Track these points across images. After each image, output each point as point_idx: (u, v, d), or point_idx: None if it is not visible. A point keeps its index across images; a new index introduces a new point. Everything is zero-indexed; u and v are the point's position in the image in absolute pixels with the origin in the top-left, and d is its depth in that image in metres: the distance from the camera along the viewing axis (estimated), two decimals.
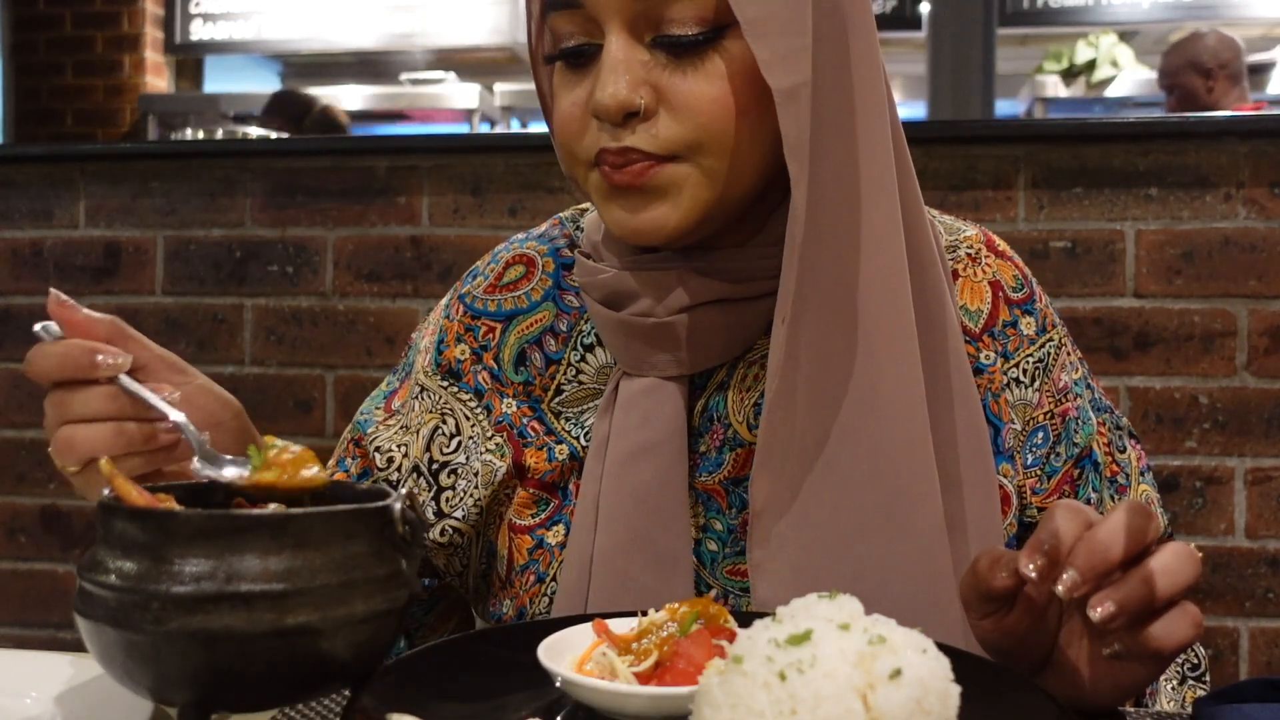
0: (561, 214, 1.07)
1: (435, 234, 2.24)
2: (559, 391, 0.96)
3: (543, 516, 0.95)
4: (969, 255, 0.98)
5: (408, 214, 2.25)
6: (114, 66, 4.94)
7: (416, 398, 1.00)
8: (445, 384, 0.99)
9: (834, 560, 0.82)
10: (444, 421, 0.98)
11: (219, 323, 2.32)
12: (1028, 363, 0.95)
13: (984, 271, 0.97)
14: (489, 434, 0.96)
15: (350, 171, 2.28)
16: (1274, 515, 2.00)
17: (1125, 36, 4.61)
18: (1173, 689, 0.93)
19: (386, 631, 0.60)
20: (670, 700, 0.60)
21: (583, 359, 0.96)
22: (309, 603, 0.56)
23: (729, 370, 0.92)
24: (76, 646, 0.67)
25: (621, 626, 0.70)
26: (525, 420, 0.96)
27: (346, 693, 0.64)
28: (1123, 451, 0.99)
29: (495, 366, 0.98)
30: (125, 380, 0.75)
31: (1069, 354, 0.99)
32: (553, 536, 0.94)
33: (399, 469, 0.97)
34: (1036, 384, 0.95)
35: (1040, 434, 0.94)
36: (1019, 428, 0.94)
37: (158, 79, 5.05)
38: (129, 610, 0.55)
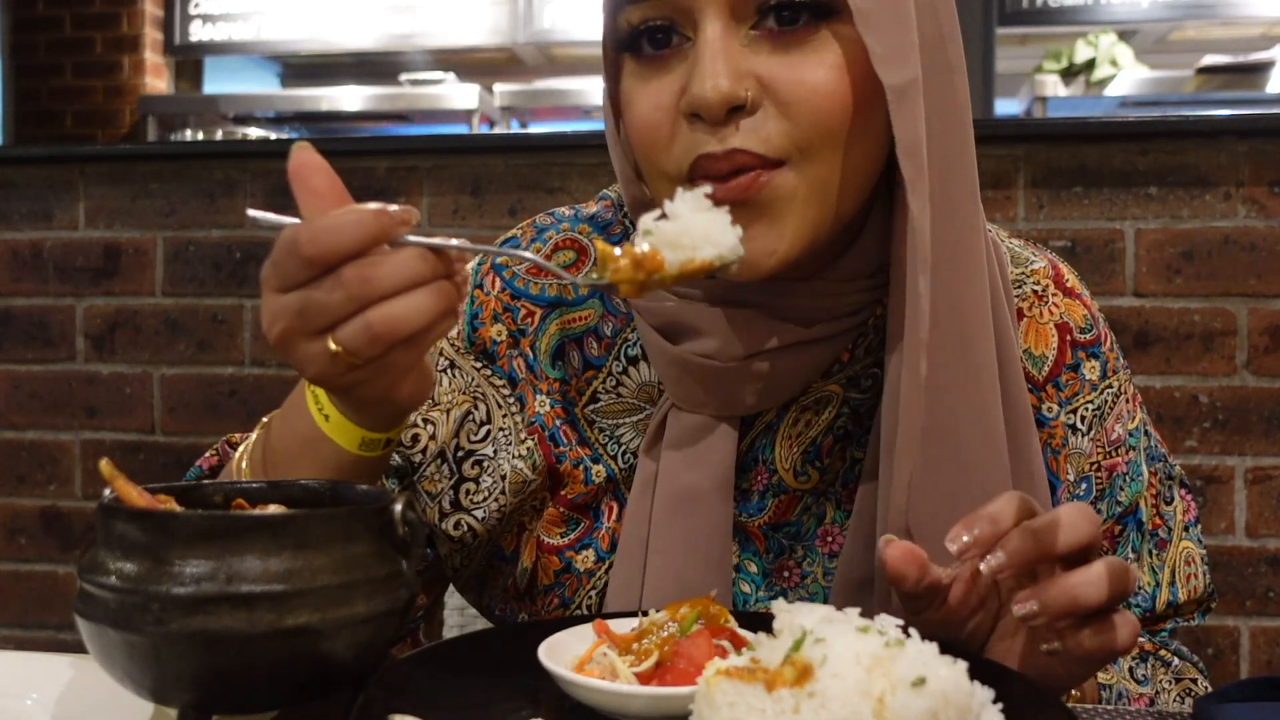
0: (612, 191, 0.97)
1: (435, 234, 2.24)
2: (595, 399, 0.90)
3: (572, 537, 0.91)
4: (1035, 293, 0.90)
5: None
6: (113, 68, 4.94)
7: (444, 371, 0.91)
8: (479, 365, 0.91)
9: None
10: (475, 407, 0.90)
11: (219, 323, 2.32)
12: (1086, 410, 0.89)
13: (1050, 312, 0.90)
14: (521, 434, 0.90)
15: (350, 172, 2.27)
16: (1274, 514, 2.00)
17: (1125, 36, 4.60)
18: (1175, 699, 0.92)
19: (387, 632, 0.60)
20: (670, 700, 0.60)
21: (625, 371, 0.89)
22: (309, 603, 0.56)
23: (779, 412, 0.86)
24: (77, 648, 0.67)
25: (622, 627, 0.70)
26: (557, 423, 0.90)
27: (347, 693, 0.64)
28: (1169, 503, 0.94)
29: (531, 355, 0.91)
30: (410, 238, 0.63)
31: (1128, 401, 0.92)
32: (581, 562, 0.90)
33: (424, 450, 0.90)
34: (1092, 433, 0.89)
35: (1084, 484, 0.89)
36: (1073, 479, 0.89)
37: (157, 80, 5.04)
38: (129, 611, 0.55)
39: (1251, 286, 2.00)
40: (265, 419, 0.80)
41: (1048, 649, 0.66)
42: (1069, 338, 0.90)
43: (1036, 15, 4.48)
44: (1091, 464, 0.90)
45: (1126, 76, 4.40)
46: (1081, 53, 4.48)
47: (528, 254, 0.70)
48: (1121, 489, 0.90)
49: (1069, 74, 4.49)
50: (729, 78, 0.71)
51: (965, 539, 0.64)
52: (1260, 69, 4.25)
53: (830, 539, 0.88)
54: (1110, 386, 0.90)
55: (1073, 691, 0.79)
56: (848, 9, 0.72)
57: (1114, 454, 0.90)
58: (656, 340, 0.84)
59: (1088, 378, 0.89)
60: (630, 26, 0.76)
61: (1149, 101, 4.39)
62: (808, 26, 0.73)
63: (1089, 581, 0.64)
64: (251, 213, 0.63)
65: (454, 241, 0.64)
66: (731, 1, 0.73)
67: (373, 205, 0.63)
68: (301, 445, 0.73)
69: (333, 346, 0.62)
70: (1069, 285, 0.92)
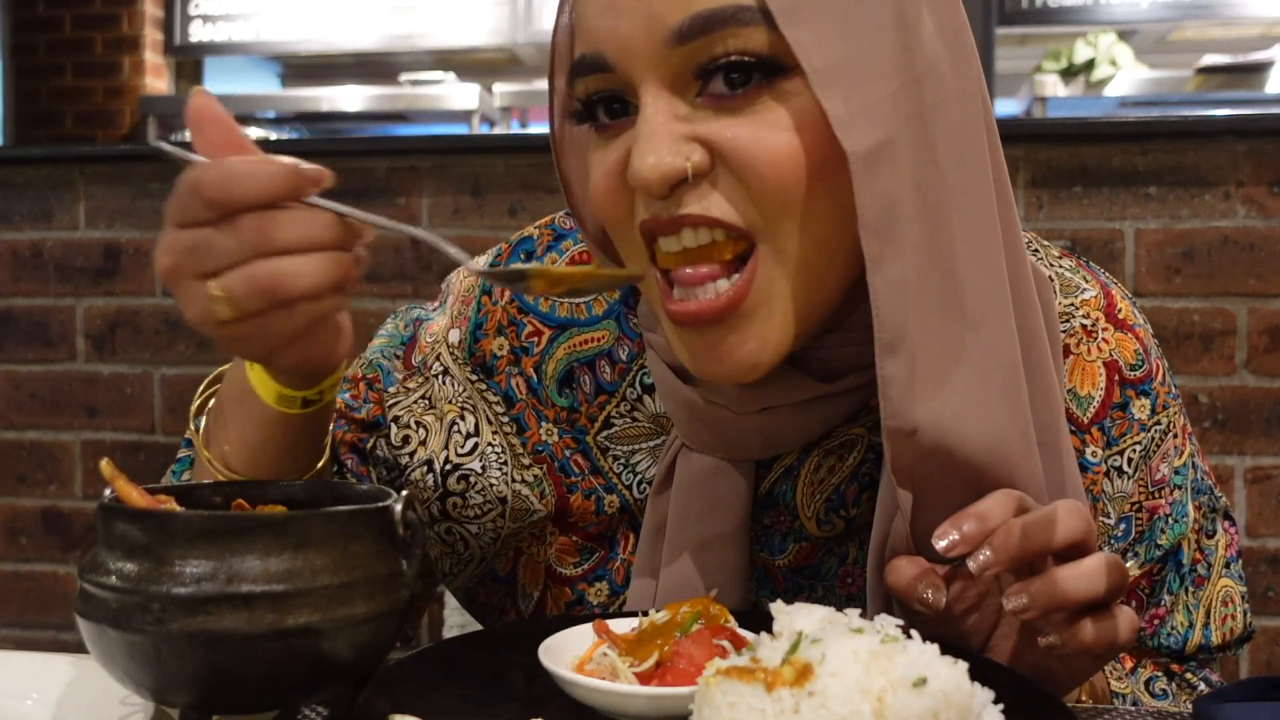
0: None
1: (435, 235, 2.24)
2: (608, 424, 0.85)
3: (586, 567, 0.88)
4: (1084, 328, 0.85)
5: (407, 215, 2.25)
6: (114, 68, 4.94)
7: (437, 377, 0.88)
8: (474, 378, 0.87)
9: None
10: (462, 417, 0.87)
11: None
12: (1134, 451, 0.84)
13: (1099, 349, 0.84)
14: (524, 459, 0.86)
15: (350, 172, 2.28)
16: (1274, 514, 2.00)
17: (1124, 36, 4.59)
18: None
19: (387, 631, 0.61)
20: (670, 700, 0.60)
21: (640, 398, 0.85)
22: (310, 603, 0.56)
23: (800, 455, 0.82)
24: (78, 648, 0.67)
25: (622, 626, 0.70)
26: (568, 453, 0.86)
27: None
28: (1211, 536, 0.90)
29: (535, 378, 0.86)
30: (316, 199, 0.62)
31: (1176, 436, 0.87)
32: (595, 595, 0.88)
33: (412, 455, 0.87)
34: (1137, 474, 0.85)
35: (1123, 525, 0.86)
36: (1112, 522, 0.85)
37: (157, 80, 5.04)
38: (130, 611, 0.55)
39: (1251, 286, 2.00)
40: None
41: (1044, 643, 0.65)
42: (1117, 376, 0.84)
43: (1036, 15, 4.47)
44: (1132, 504, 0.85)
45: (1126, 76, 4.40)
46: (1081, 53, 4.48)
47: (453, 249, 0.67)
48: (1162, 532, 0.86)
49: (1069, 74, 4.49)
50: (665, 154, 0.66)
51: (953, 536, 0.64)
52: (1260, 69, 4.25)
53: (850, 580, 0.85)
54: (1159, 423, 0.85)
55: (1082, 697, 0.79)
56: (801, 66, 0.66)
57: (1156, 495, 0.86)
58: (668, 378, 0.80)
59: (1136, 416, 0.84)
60: (584, 97, 0.73)
61: (1149, 101, 4.39)
62: (758, 87, 0.67)
63: (1079, 575, 0.64)
64: (160, 145, 0.63)
65: (358, 211, 0.63)
66: (667, 72, 0.68)
67: (285, 159, 0.62)
68: (238, 395, 0.75)
69: (214, 290, 0.62)
70: (1121, 317, 0.86)
